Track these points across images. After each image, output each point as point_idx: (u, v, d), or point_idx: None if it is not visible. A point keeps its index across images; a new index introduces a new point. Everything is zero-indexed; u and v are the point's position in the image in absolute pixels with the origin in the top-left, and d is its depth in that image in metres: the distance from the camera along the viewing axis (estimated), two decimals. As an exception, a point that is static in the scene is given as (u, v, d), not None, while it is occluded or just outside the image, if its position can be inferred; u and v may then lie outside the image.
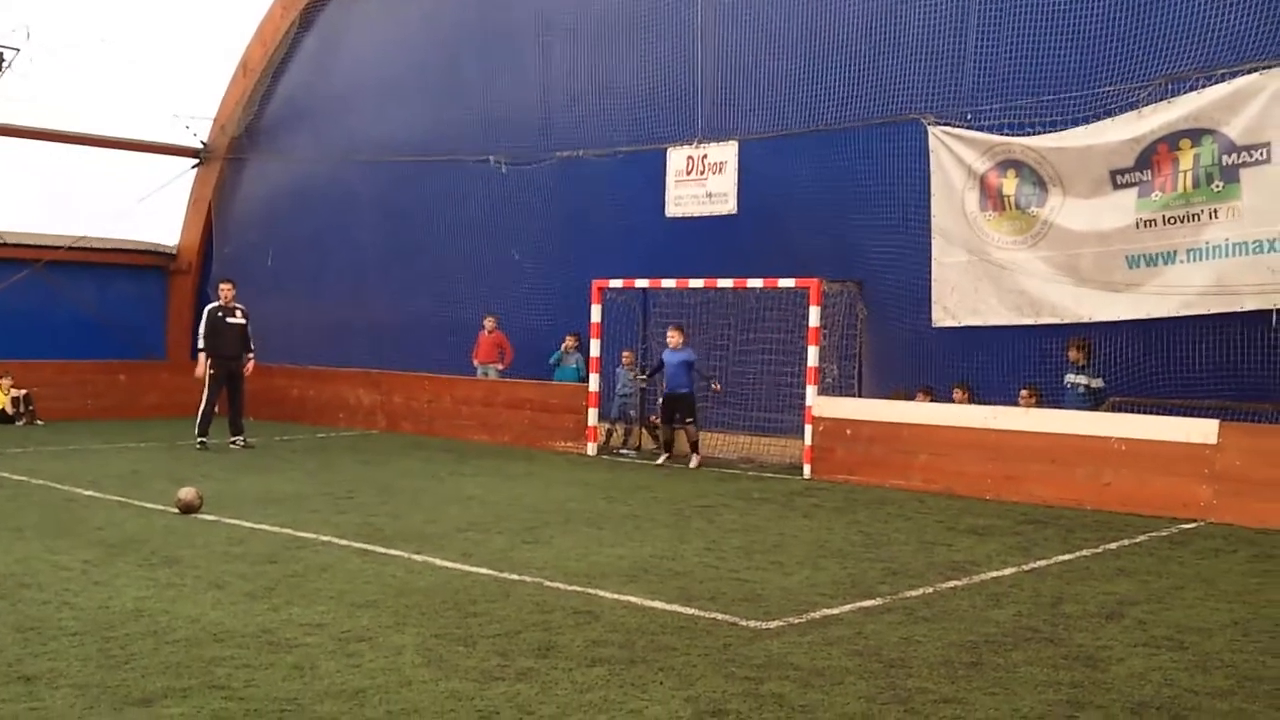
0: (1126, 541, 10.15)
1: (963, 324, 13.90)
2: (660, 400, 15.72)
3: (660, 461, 15.22)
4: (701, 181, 16.13)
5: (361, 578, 7.98)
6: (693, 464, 14.90)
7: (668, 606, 7.28)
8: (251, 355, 16.46)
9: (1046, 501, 12.12)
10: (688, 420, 15.25)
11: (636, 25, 17.34)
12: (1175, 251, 12.27)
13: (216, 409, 16.25)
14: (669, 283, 15.84)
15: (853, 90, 15.05)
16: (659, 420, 15.74)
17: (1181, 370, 12.56)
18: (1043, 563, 9.12)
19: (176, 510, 10.54)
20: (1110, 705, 5.50)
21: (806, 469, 14.17)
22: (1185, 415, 11.93)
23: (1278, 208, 11.57)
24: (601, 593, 7.63)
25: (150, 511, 10.70)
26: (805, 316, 14.38)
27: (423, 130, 19.91)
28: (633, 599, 7.47)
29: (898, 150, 14.52)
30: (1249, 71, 11.77)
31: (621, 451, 16.41)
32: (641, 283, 16.16)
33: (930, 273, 14.09)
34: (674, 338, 15.29)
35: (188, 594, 7.38)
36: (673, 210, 16.41)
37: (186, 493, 10.69)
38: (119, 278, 22.51)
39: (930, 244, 14.08)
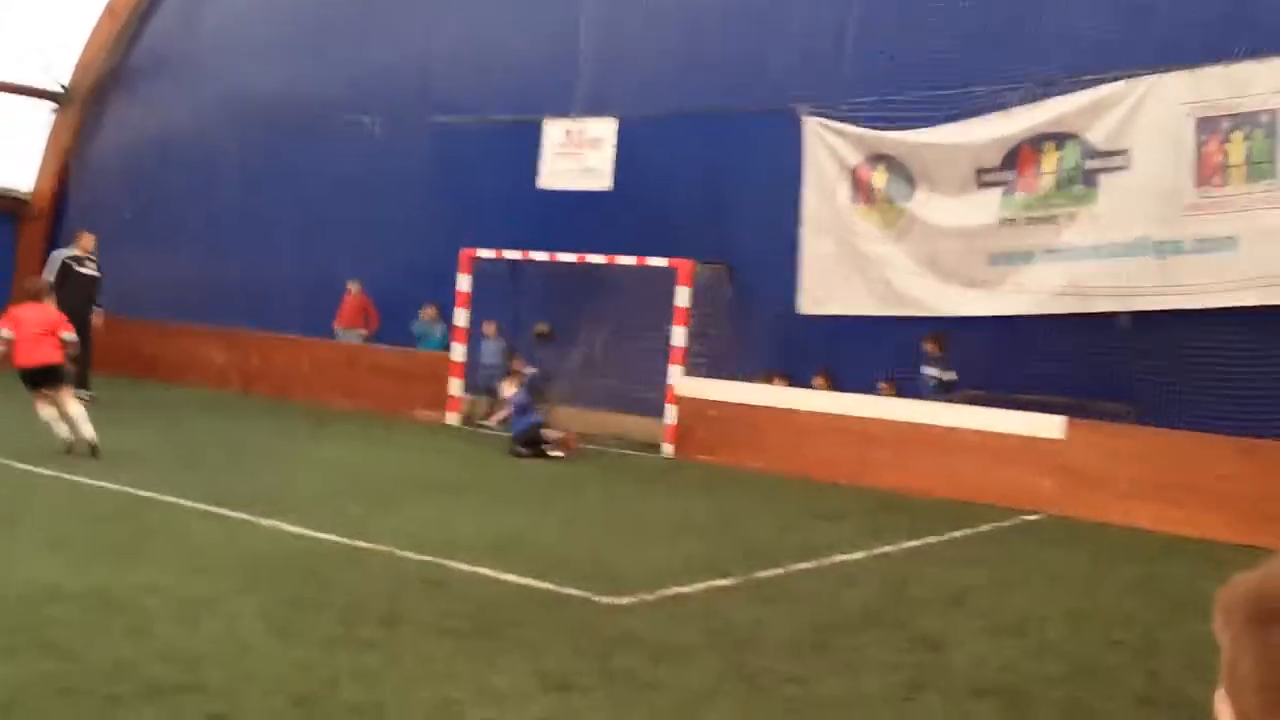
0: (972, 530, 10.43)
1: (828, 311, 14.09)
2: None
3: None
4: (578, 155, 16.02)
5: (206, 540, 7.75)
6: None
7: (521, 580, 7.22)
8: (100, 308, 15.83)
9: (898, 489, 12.36)
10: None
11: (521, -6, 17.16)
12: (1034, 252, 12.62)
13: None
14: (540, 255, 15.72)
15: (733, 76, 15.11)
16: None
17: (1034, 367, 12.92)
18: (891, 548, 9.31)
19: None
20: (950, 688, 5.63)
21: (668, 448, 14.23)
22: (1035, 411, 12.27)
23: (1133, 213, 11.98)
24: (454, 564, 7.53)
25: (-16, 465, 10.22)
26: (674, 296, 14.41)
27: (294, 87, 19.36)
28: (486, 571, 7.39)
29: (774, 138, 14.61)
30: (1114, 79, 12.13)
31: (484, 424, 16.25)
32: (512, 254, 16.00)
33: (799, 260, 14.24)
34: (507, 389, 14.49)
35: (22, 553, 7.07)
36: (547, 182, 16.27)
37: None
38: (-36, 220, 21.48)
39: (800, 232, 14.23)
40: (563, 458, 13.10)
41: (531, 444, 13.35)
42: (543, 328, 15.35)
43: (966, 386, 13.26)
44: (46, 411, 11.10)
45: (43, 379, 11.09)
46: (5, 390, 16.03)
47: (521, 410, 13.75)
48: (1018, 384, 12.93)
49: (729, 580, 7.66)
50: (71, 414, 11.01)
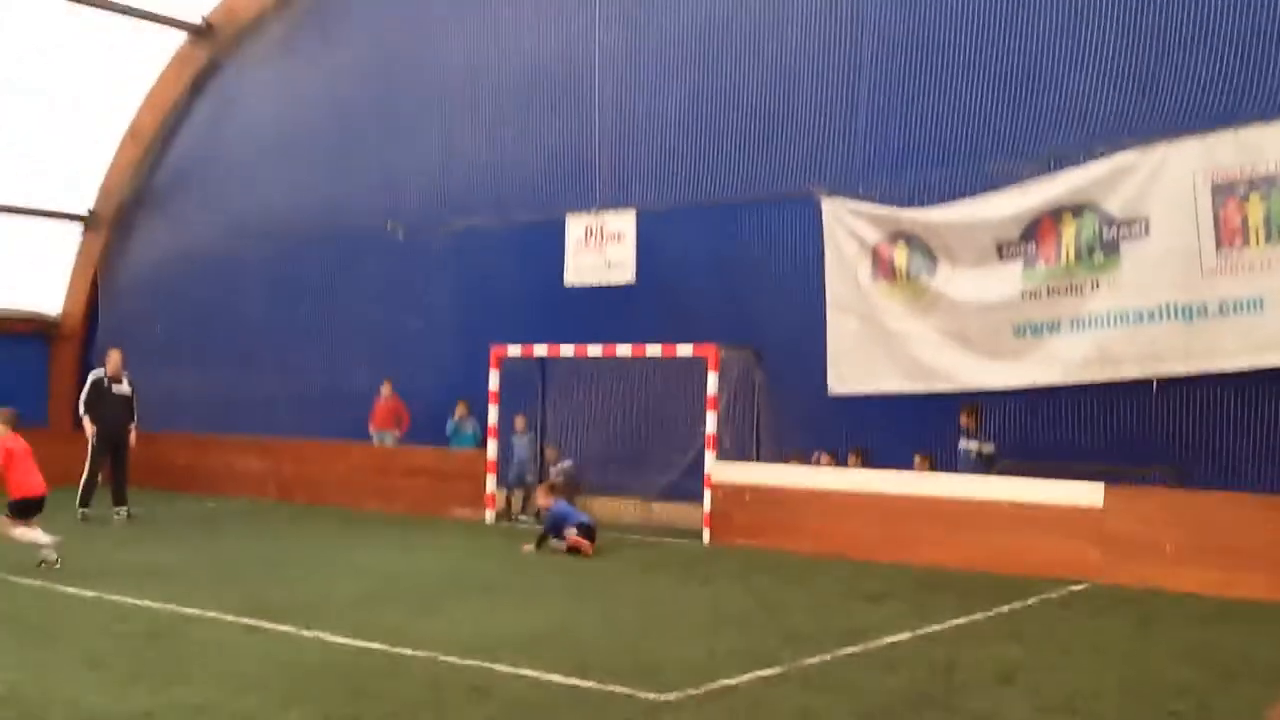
0: (1018, 604, 10.30)
1: (857, 391, 14.09)
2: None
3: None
4: (600, 250, 16.19)
5: (248, 655, 7.74)
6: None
7: (565, 680, 7.17)
8: (135, 425, 16.00)
9: (939, 565, 12.25)
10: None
11: (536, 96, 17.47)
12: (1059, 321, 12.63)
13: (100, 479, 15.75)
14: (568, 349, 15.82)
15: (748, 163, 15.34)
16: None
17: (1068, 436, 12.89)
18: (937, 627, 9.19)
19: None
20: (1005, 772, 5.54)
21: (705, 534, 14.17)
22: (1072, 480, 12.18)
23: (1155, 280, 12.00)
24: (497, 666, 7.48)
25: (24, 587, 10.28)
26: (703, 384, 14.45)
27: (317, 197, 19.71)
28: (529, 672, 7.34)
29: (792, 222, 14.77)
30: (1127, 149, 12.22)
31: (520, 518, 16.25)
32: (540, 349, 16.11)
33: (825, 341, 14.29)
34: (542, 498, 14.08)
35: (64, 674, 7.08)
36: (571, 279, 16.43)
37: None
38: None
39: (825, 313, 14.30)
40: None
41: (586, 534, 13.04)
42: (557, 481, 15.04)
43: (1005, 458, 13.21)
44: (30, 534, 11.32)
45: (37, 507, 11.54)
46: (46, 512, 16.17)
47: (561, 520, 13.20)
48: (1053, 453, 12.90)
49: (774, 670, 7.58)
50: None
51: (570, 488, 15.44)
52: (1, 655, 7.61)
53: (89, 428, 15.69)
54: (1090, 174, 12.44)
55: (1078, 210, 12.50)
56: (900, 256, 13.75)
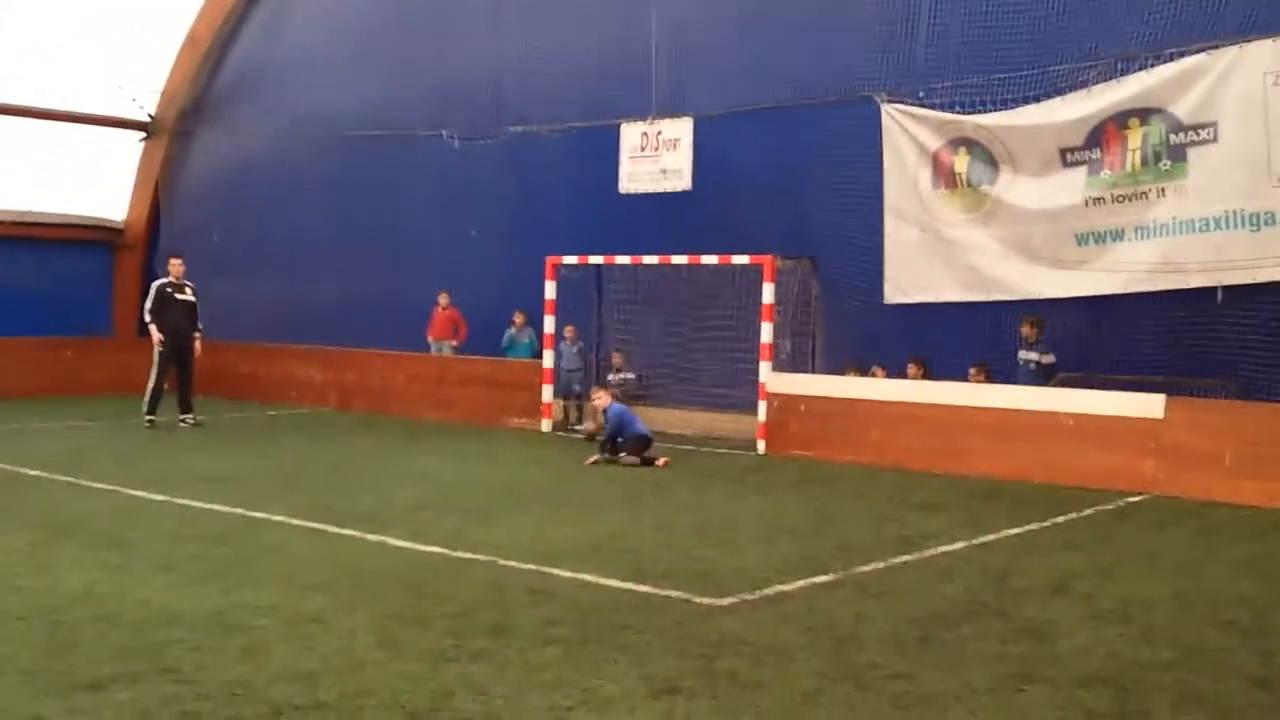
0: (1073, 515, 10.29)
1: (914, 300, 14.00)
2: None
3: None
4: (655, 158, 16.10)
5: (313, 558, 7.94)
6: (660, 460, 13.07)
7: (622, 585, 7.30)
8: (200, 333, 16.25)
9: (995, 476, 12.23)
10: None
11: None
12: (1123, 229, 12.42)
13: (165, 386, 16.06)
14: (623, 259, 15.81)
15: (807, 68, 15.06)
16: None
17: (1129, 346, 12.73)
18: (991, 537, 9.22)
19: None
20: (1058, 678, 5.59)
21: (760, 445, 14.23)
22: (1132, 390, 12.08)
23: (1223, 186, 11.74)
24: (556, 571, 7.63)
25: (97, 491, 10.58)
26: (759, 293, 14.41)
27: (373, 104, 19.71)
28: (587, 577, 7.48)
29: (851, 128, 14.55)
30: (1197, 51, 11.89)
31: (575, 428, 16.40)
32: (596, 259, 16.11)
33: (883, 250, 14.16)
34: (599, 399, 13.75)
35: (137, 576, 7.32)
36: (627, 186, 16.37)
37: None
38: (64, 253, 22.12)
39: (883, 221, 14.15)
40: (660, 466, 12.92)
41: (639, 453, 13.05)
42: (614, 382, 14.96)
43: (1063, 369, 13.10)
44: None
45: None
46: (114, 420, 16.59)
47: (623, 423, 13.21)
48: (1114, 364, 12.76)
49: (828, 577, 7.66)
50: None
51: (626, 400, 15.55)
52: (77, 556, 7.87)
53: (155, 334, 15.93)
54: (1158, 77, 12.13)
55: (1144, 115, 12.20)
56: (961, 163, 13.54)
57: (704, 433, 15.47)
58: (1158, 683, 5.57)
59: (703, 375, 15.50)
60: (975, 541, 9.01)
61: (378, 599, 6.83)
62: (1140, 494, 11.40)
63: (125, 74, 21.33)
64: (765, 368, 14.32)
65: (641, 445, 13.11)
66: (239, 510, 9.68)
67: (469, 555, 8.08)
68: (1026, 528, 9.67)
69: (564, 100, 17.36)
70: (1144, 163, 12.23)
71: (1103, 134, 12.47)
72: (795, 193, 15.22)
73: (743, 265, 14.71)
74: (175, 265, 16.25)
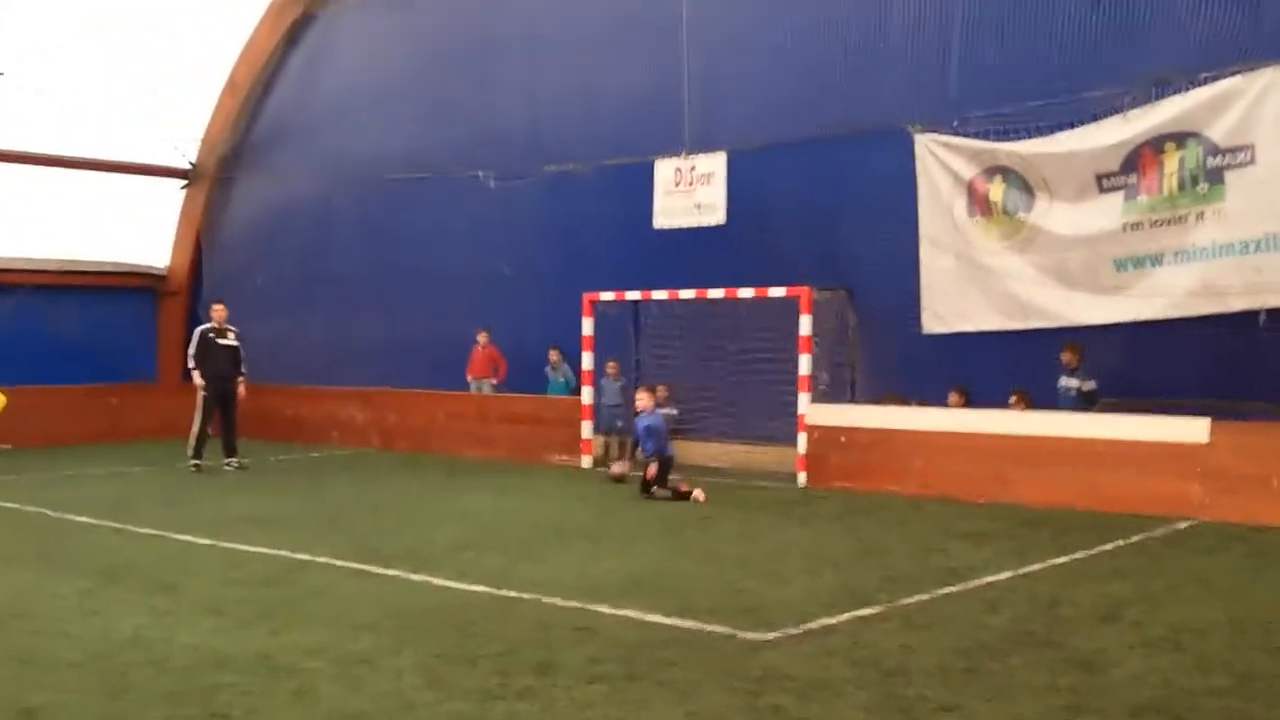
0: (1121, 542, 10.19)
1: (953, 329, 13.95)
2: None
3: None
4: (690, 193, 16.15)
5: (359, 599, 7.99)
6: (700, 495, 12.88)
7: (666, 620, 7.30)
8: (243, 377, 16.42)
9: (1040, 504, 12.14)
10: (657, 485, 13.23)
11: (623, 37, 17.40)
12: (1162, 254, 12.34)
13: (210, 430, 16.23)
14: (660, 294, 15.87)
15: (839, 99, 15.09)
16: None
17: (1171, 371, 12.63)
18: (1038, 566, 9.15)
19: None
20: (1109, 708, 5.53)
21: (802, 477, 14.19)
22: (1176, 415, 11.97)
23: (1262, 209, 11.64)
24: (600, 608, 7.64)
25: (145, 537, 10.69)
26: (796, 325, 14.41)
27: (410, 146, 19.92)
28: (631, 613, 7.48)
29: (884, 158, 14.55)
30: (1232, 74, 11.84)
31: (602, 470, 16.40)
32: (632, 295, 16.17)
33: (920, 279, 14.14)
34: (642, 400, 13.75)
35: (186, 620, 7.38)
36: (661, 222, 16.43)
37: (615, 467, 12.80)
38: (108, 301, 22.43)
39: (919, 251, 14.14)
40: (690, 499, 12.86)
41: (661, 477, 13.22)
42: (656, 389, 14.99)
43: (1105, 395, 13.01)
44: None
45: None
46: (160, 465, 16.77)
47: (655, 435, 13.35)
48: (1157, 389, 12.65)
49: (874, 609, 7.63)
50: None
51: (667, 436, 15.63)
52: (126, 601, 7.95)
53: (197, 380, 16.13)
54: (1193, 100, 12.06)
55: (1180, 139, 12.14)
56: (996, 191, 13.51)
57: (744, 466, 15.45)
58: (1211, 710, 5.50)
59: (741, 408, 15.50)
60: (1022, 571, 8.94)
61: (424, 638, 6.87)
62: (1187, 519, 11.27)
63: (166, 122, 21.67)
64: (804, 399, 14.30)
65: (668, 467, 13.29)
66: (285, 552, 9.76)
67: (513, 593, 8.10)
68: (1073, 556, 9.58)
69: (598, 138, 17.48)
70: (1181, 187, 12.16)
71: (1139, 159, 12.42)
72: (830, 224, 15.23)
73: (779, 297, 14.71)
74: (217, 310, 16.45)
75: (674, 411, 16.53)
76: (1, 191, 20.89)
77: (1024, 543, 10.21)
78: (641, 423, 13.59)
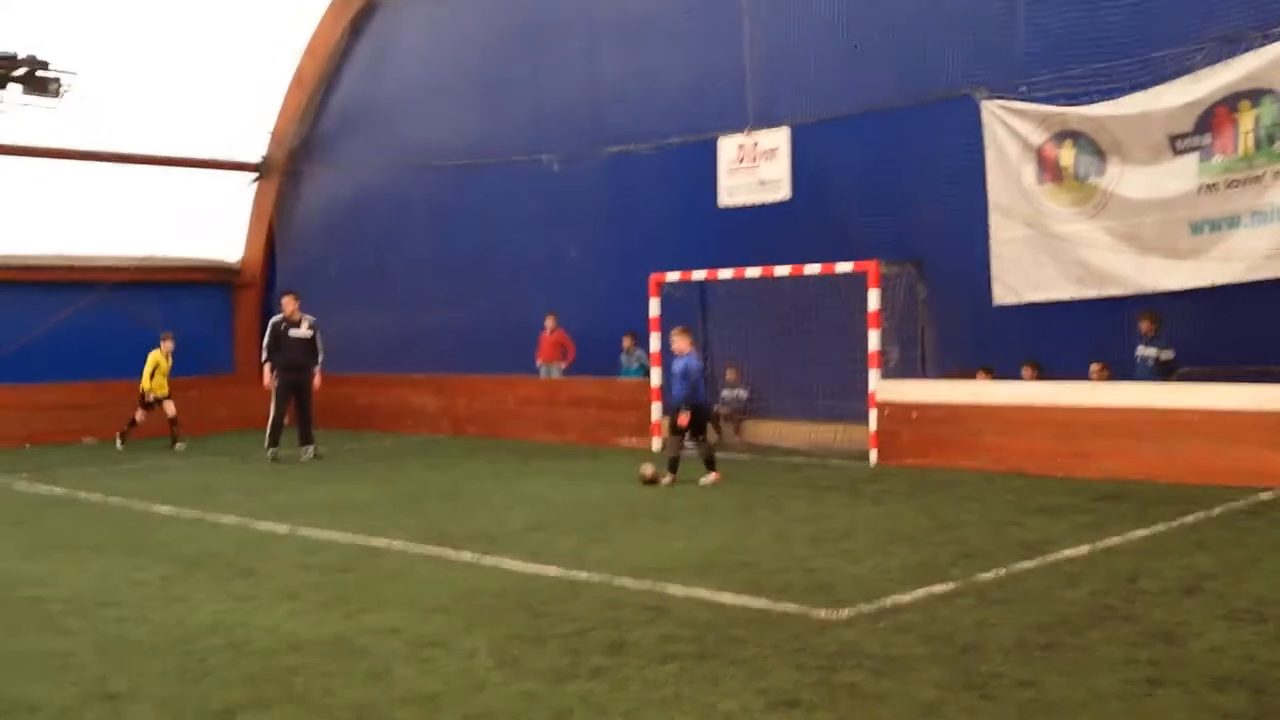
0: (1202, 514, 9.97)
1: (1025, 300, 13.74)
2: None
3: (666, 482, 12.66)
4: (754, 169, 16.06)
5: (432, 582, 8.06)
6: (706, 480, 12.67)
7: (737, 599, 7.28)
8: (318, 367, 16.61)
9: (1119, 477, 11.92)
10: (699, 436, 13.04)
11: (681, 15, 17.32)
12: (1239, 215, 12.04)
13: (285, 420, 16.47)
14: (726, 273, 15.79)
15: (902, 68, 14.92)
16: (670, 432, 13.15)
17: (1253, 337, 12.31)
18: (1117, 539, 8.98)
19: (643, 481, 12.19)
20: (1190, 681, 5.42)
21: (873, 454, 14.07)
22: (1257, 383, 11.68)
23: (1344, 164, 11.31)
24: (670, 588, 7.63)
25: (224, 525, 10.88)
26: (865, 300, 14.27)
27: (474, 133, 20.04)
28: (702, 593, 7.47)
29: (950, 127, 14.36)
30: (1308, 28, 11.51)
31: (685, 444, 16.35)
32: (699, 274, 16.11)
33: (989, 249, 13.93)
34: (678, 341, 13.13)
35: (263, 605, 7.50)
36: (726, 200, 16.36)
37: (646, 470, 12.38)
38: (185, 295, 22.84)
39: (988, 220, 13.92)
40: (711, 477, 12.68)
41: (697, 425, 12.80)
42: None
43: (1183, 364, 12.73)
44: None
45: None
46: (238, 455, 17.05)
47: (687, 378, 12.77)
48: (1238, 356, 12.34)
49: (948, 585, 7.54)
50: None
51: (736, 417, 15.67)
52: (206, 587, 8.10)
53: (267, 374, 16.39)
54: (1266, 57, 11.72)
55: (1255, 96, 11.80)
56: (1066, 156, 13.26)
57: (815, 444, 15.36)
58: (1297, 683, 5.37)
59: (811, 386, 15.39)
60: (1100, 545, 8.78)
61: (496, 620, 6.91)
62: (1271, 489, 10.98)
63: (235, 117, 21.99)
64: (874, 375, 14.17)
65: (705, 417, 13.09)
66: (360, 538, 9.88)
67: (584, 574, 8.12)
68: (1154, 529, 9.39)
69: (660, 118, 17.44)
70: (1257, 145, 11.84)
71: (1212, 118, 12.11)
72: (896, 196, 15.06)
73: (847, 273, 14.59)
74: (287, 302, 16.65)
75: (744, 393, 16.50)
76: (80, 191, 21.32)
77: (1102, 516, 10.03)
78: (676, 365, 12.98)
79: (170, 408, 18.73)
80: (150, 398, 18.67)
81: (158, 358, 18.74)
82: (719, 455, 13.28)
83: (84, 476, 15.06)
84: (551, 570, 8.31)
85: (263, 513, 11.37)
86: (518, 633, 6.61)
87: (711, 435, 15.61)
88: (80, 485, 14.02)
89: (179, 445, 18.36)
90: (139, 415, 18.74)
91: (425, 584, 8.01)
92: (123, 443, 18.71)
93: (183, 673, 6.02)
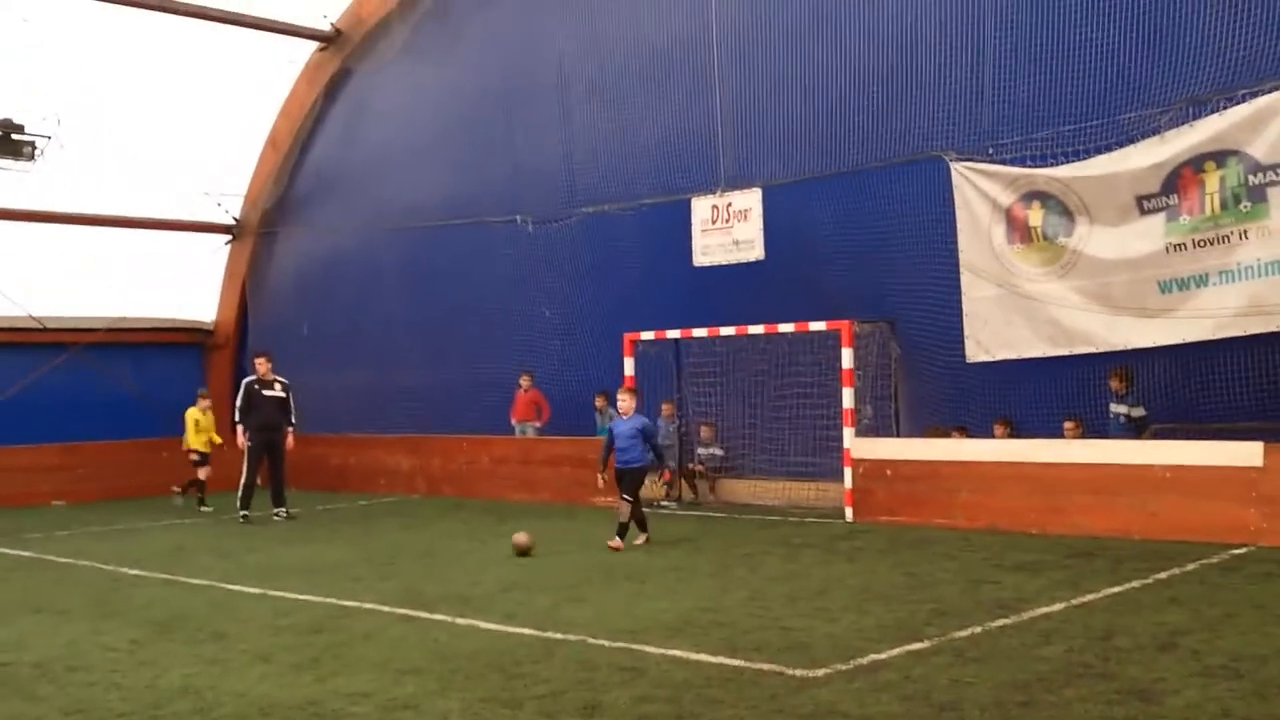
0: (1176, 570, 10.00)
1: (996, 358, 13.83)
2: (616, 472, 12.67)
3: (640, 542, 12.52)
4: (727, 230, 16.17)
5: (405, 644, 7.98)
6: (639, 541, 12.53)
7: (713, 659, 7.23)
8: (291, 428, 16.54)
9: (1093, 533, 11.96)
10: (625, 497, 12.53)
11: (654, 78, 17.49)
12: (1207, 274, 12.18)
13: (258, 481, 16.35)
14: (700, 332, 15.86)
15: (872, 131, 15.10)
16: (623, 494, 12.59)
17: (1222, 394, 12.42)
18: (1092, 596, 8.99)
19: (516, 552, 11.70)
20: (1167, 739, 5.41)
21: (848, 512, 14.07)
22: (1228, 439, 11.76)
23: (1308, 224, 11.48)
24: (646, 648, 7.58)
25: (195, 587, 10.75)
26: (838, 359, 14.34)
27: (448, 194, 20.11)
28: (678, 653, 7.42)
29: (921, 188, 14.52)
30: (1270, 90, 11.71)
31: (662, 503, 16.35)
32: (673, 333, 16.18)
33: (962, 308, 14.04)
34: (624, 401, 12.87)
35: (234, 668, 7.41)
36: (700, 260, 16.45)
37: (520, 539, 11.90)
38: (157, 356, 22.75)
39: (959, 279, 14.05)
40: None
41: (628, 487, 12.44)
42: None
43: (1155, 421, 12.82)
44: None
45: None
46: (210, 517, 16.88)
47: (649, 438, 12.60)
48: (1209, 413, 12.45)
49: (924, 644, 7.52)
50: None
51: (711, 475, 15.70)
52: (176, 650, 7.99)
53: (239, 436, 16.32)
54: (1231, 118, 11.93)
55: (1220, 158, 12.00)
56: (1035, 217, 13.41)
57: (789, 502, 15.35)
58: (1273, 739, 5.36)
59: (785, 444, 15.43)
60: (1075, 601, 8.79)
61: (469, 682, 6.84)
62: (1244, 545, 11.05)
63: (209, 179, 22.03)
64: (849, 433, 14.21)
65: (632, 480, 12.55)
66: (333, 600, 9.78)
67: (559, 635, 8.06)
68: (1128, 585, 9.41)
69: (634, 178, 17.57)
70: (1223, 206, 12.02)
71: (1179, 179, 12.29)
72: (869, 256, 15.18)
73: (820, 331, 14.67)
74: (261, 364, 16.62)
75: (720, 451, 16.50)
76: (53, 252, 21.24)
77: (1077, 573, 10.05)
78: (626, 425, 12.59)
79: (204, 472, 18.49)
80: (196, 456, 18.49)
81: (196, 414, 18.61)
82: (695, 514, 13.25)
83: (53, 540, 14.88)
84: (526, 631, 8.25)
85: (235, 575, 11.26)
86: (492, 695, 6.54)
87: (688, 493, 15.69)
88: (49, 549, 13.85)
89: (204, 508, 18.03)
90: (201, 474, 18.52)
91: (398, 646, 7.93)
92: (186, 497, 18.71)
93: (151, 738, 5.92)
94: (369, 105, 21.70)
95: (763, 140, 16.23)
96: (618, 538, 12.35)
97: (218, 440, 18.62)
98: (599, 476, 12.96)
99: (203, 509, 17.90)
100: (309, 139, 22.53)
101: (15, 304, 20.66)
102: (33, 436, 20.22)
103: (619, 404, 13.08)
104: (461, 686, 6.75)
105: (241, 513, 16.06)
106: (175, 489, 18.96)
